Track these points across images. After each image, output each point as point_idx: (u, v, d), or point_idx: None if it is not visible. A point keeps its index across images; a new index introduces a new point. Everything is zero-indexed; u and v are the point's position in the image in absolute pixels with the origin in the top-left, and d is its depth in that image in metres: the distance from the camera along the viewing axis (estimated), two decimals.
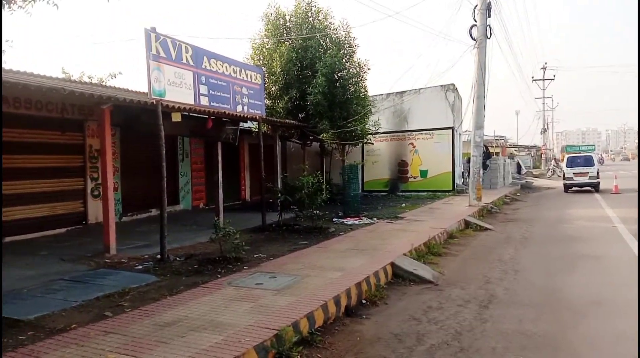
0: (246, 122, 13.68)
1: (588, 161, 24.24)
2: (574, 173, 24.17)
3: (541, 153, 62.35)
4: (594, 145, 39.38)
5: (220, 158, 12.25)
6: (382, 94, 22.79)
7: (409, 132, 22.48)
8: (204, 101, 9.78)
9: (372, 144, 21.12)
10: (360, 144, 19.94)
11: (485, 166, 23.29)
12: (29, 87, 7.54)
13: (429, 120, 21.89)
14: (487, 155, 25.49)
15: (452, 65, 52.84)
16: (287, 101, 17.00)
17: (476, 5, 16.44)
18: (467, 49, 17.03)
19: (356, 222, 12.78)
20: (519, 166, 39.74)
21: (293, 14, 17.92)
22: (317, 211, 11.80)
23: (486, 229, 12.81)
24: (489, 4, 16.48)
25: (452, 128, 21.69)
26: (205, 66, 9.76)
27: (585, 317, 5.61)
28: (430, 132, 21.97)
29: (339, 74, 16.41)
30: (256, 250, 8.99)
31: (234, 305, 5.53)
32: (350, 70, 16.84)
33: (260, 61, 17.24)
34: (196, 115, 11.08)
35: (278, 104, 17.25)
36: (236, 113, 11.11)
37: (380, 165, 22.90)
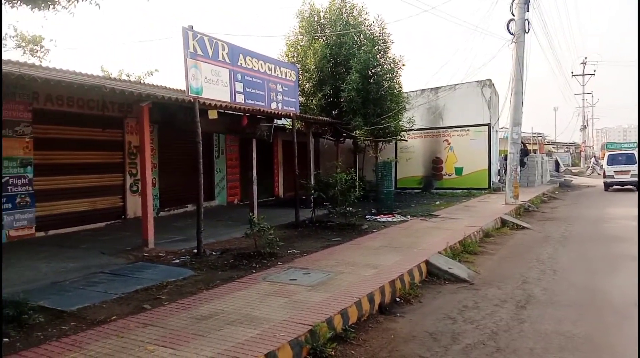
0: (280, 119, 13.78)
1: (630, 159, 23.48)
2: (614, 171, 23.44)
3: (580, 151, 60.61)
4: (636, 142, 37.97)
5: (255, 155, 12.39)
6: (416, 90, 22.57)
7: (444, 129, 22.20)
8: (240, 98, 9.89)
9: (406, 140, 20.96)
10: (394, 141, 19.81)
11: (522, 164, 22.81)
12: (72, 85, 7.78)
13: (465, 116, 21.55)
14: (524, 152, 24.92)
15: (489, 60, 51.85)
16: (321, 97, 17.02)
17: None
18: (504, 43, 16.71)
19: (389, 219, 12.72)
20: (557, 164, 38.76)
21: (327, 10, 17.91)
22: (350, 208, 11.79)
23: (523, 228, 12.55)
24: None
25: (489, 125, 21.30)
26: (241, 64, 9.86)
27: (627, 319, 5.44)
28: (466, 128, 21.64)
29: (373, 71, 16.33)
30: (290, 246, 9.06)
31: (268, 300, 5.59)
32: (385, 66, 16.74)
33: (295, 58, 17.31)
34: (231, 112, 11.22)
35: (312, 101, 17.29)
36: (271, 110, 11.20)
37: (414, 162, 22.69)
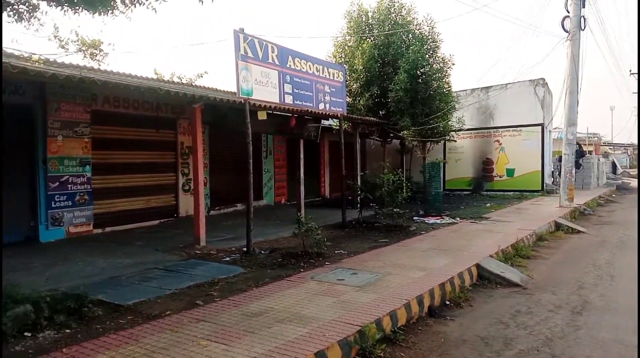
0: (327, 119, 13.83)
1: None
2: None
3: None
4: None
5: (302, 155, 12.49)
6: (466, 90, 22.14)
7: (495, 129, 21.68)
8: (288, 99, 10.00)
9: (455, 141, 20.61)
10: (443, 142, 19.51)
11: (577, 165, 21.99)
12: (129, 87, 8.09)
13: (517, 116, 20.97)
14: (579, 153, 24.00)
15: (543, 59, 50.17)
16: (368, 98, 16.97)
17: None
18: (558, 41, 16.15)
19: (438, 221, 12.54)
20: (614, 166, 37.12)
21: (375, 10, 17.85)
22: (397, 209, 11.70)
23: (579, 231, 12.09)
24: None
25: (542, 125, 20.64)
26: (290, 65, 9.97)
27: None
28: (518, 129, 21.06)
29: (421, 70, 16.15)
30: (337, 246, 9.08)
31: (317, 299, 5.63)
32: (434, 66, 16.51)
33: (342, 59, 17.34)
34: (280, 113, 11.35)
35: (359, 102, 17.27)
36: (318, 111, 11.26)
37: (463, 163, 22.27)
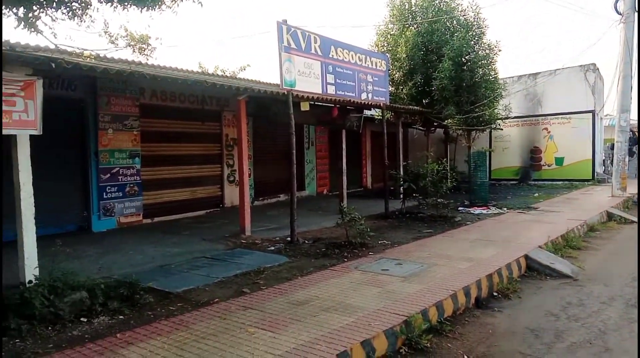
0: (370, 109, 13.74)
1: None
2: None
3: None
4: None
5: (344, 146, 12.47)
6: (513, 77, 21.50)
7: (543, 117, 21.01)
8: (331, 89, 10.00)
9: (502, 129, 20.06)
10: (488, 130, 19.06)
11: (631, 153, 21.04)
12: (177, 81, 8.28)
13: (566, 103, 20.24)
14: (633, 141, 22.95)
15: (594, 43, 47.99)
16: (411, 86, 16.72)
17: None
18: (611, 24, 15.45)
19: (484, 211, 12.29)
20: None
21: None
22: (442, 200, 11.55)
23: (632, 222, 11.61)
24: None
25: (593, 112, 19.86)
26: (332, 55, 9.95)
27: None
28: (567, 116, 20.32)
29: (466, 57, 15.76)
30: (380, 236, 9.05)
31: (361, 289, 5.64)
32: (479, 52, 16.08)
33: (385, 47, 17.13)
34: (322, 104, 11.36)
35: (402, 91, 17.04)
36: (361, 101, 11.20)
37: (510, 152, 21.70)
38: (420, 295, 5.35)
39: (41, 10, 6.01)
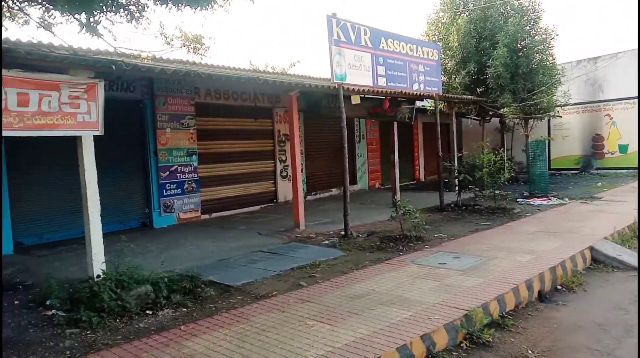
0: (422, 100, 13.51)
1: None
2: None
3: None
4: None
5: (396, 138, 12.33)
6: (571, 62, 20.57)
7: (605, 103, 19.99)
8: (382, 81, 9.89)
9: (561, 117, 19.25)
10: (547, 118, 18.35)
11: None
12: (231, 79, 8.43)
13: (630, 87, 19.09)
14: None
15: None
16: (465, 75, 16.30)
17: None
18: None
19: (544, 202, 11.86)
20: None
21: None
22: (499, 191, 11.22)
23: None
24: None
25: None
26: (383, 47, 9.84)
27: None
28: (631, 101, 19.21)
29: (522, 43, 15.23)
30: (436, 230, 8.91)
31: (418, 283, 5.57)
32: (535, 38, 15.51)
33: (436, 37, 16.78)
34: (373, 96, 11.27)
35: (455, 80, 16.64)
36: (412, 92, 11.03)
37: (570, 140, 20.79)
38: (480, 288, 5.23)
39: (101, 14, 6.26)
